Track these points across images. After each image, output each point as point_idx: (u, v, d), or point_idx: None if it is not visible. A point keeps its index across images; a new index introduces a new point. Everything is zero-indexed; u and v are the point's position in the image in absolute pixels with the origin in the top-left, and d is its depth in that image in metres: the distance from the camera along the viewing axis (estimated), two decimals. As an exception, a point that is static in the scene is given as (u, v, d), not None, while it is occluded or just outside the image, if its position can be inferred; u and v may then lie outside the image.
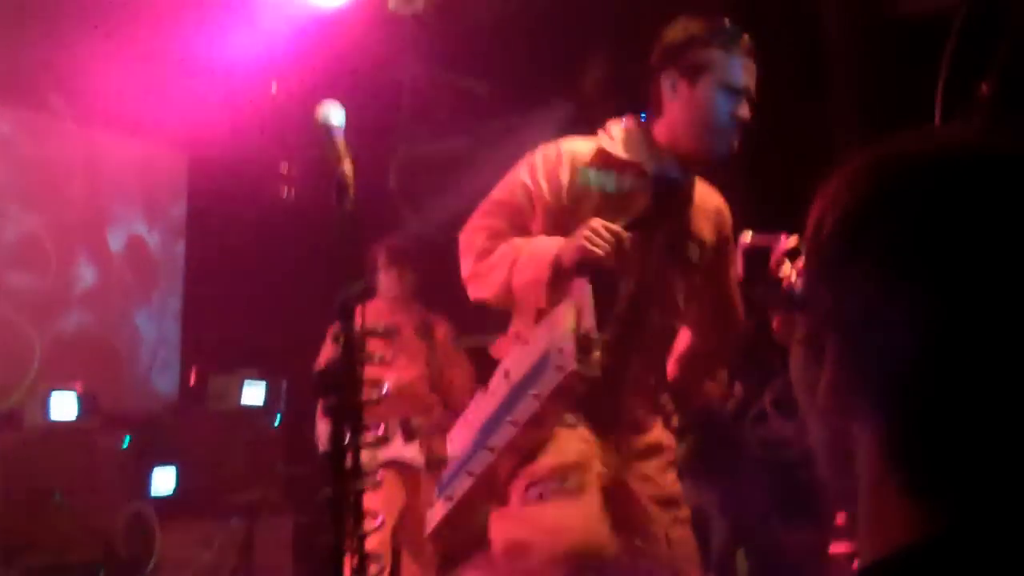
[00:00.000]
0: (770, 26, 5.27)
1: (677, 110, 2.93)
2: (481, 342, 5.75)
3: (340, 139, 2.41)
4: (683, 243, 2.98)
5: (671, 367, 3.19)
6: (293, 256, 6.59)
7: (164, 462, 6.09)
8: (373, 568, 2.38)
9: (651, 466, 2.95)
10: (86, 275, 6.94)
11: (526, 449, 2.83)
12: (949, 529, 0.82)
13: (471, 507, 3.00)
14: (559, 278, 2.76)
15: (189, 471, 6.14)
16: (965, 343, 0.82)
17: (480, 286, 2.98)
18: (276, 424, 6.68)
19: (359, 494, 2.37)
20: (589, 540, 2.75)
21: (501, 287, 2.89)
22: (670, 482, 2.99)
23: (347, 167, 2.36)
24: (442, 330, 5.34)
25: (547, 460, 2.81)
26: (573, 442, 2.84)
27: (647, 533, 2.87)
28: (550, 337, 2.68)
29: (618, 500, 2.85)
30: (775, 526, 4.72)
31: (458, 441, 2.99)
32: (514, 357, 2.85)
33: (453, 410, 4.97)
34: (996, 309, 0.82)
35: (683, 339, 3.22)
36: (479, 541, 2.88)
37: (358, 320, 2.40)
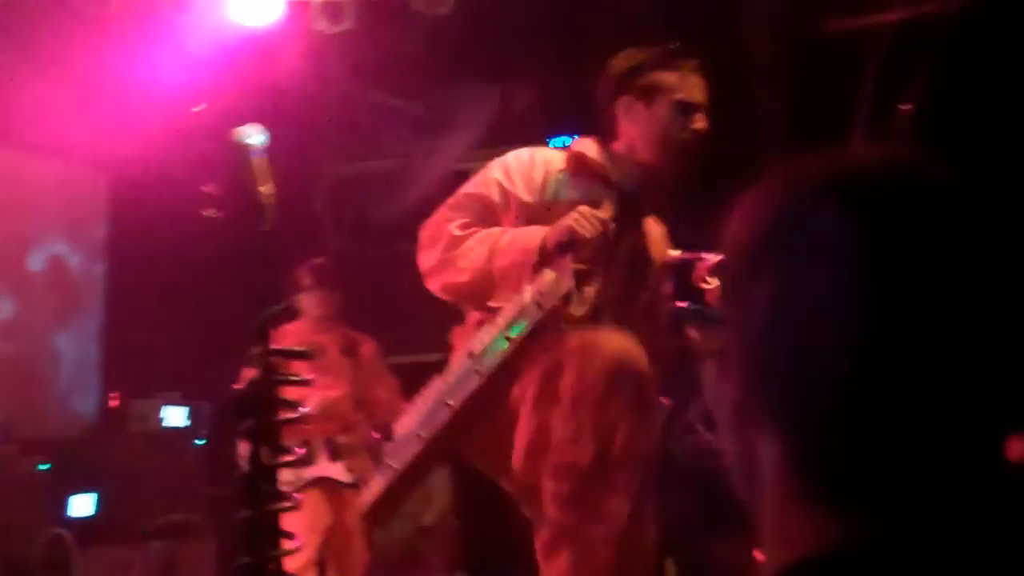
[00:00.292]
0: (699, 43, 5.36)
1: (636, 131, 3.04)
2: (407, 359, 5.77)
3: (259, 161, 2.41)
4: (642, 258, 3.06)
5: None
6: (216, 277, 6.53)
7: (84, 486, 5.99)
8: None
9: None
10: (3, 297, 6.81)
11: (496, 400, 2.83)
12: (849, 544, 0.83)
13: (417, 475, 2.99)
14: (544, 261, 2.80)
15: (109, 495, 6.04)
16: (861, 362, 0.84)
17: (450, 272, 2.98)
18: (199, 446, 6.60)
19: (278, 516, 2.36)
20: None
21: (478, 272, 2.91)
22: None
23: (266, 189, 2.36)
24: (367, 348, 5.33)
25: None
26: None
27: None
28: (523, 299, 2.76)
29: None
30: (703, 536, 4.76)
31: (406, 420, 2.97)
32: (480, 336, 2.88)
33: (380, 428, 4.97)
34: (890, 328, 0.83)
35: None
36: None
37: (277, 341, 2.40)
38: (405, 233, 6.22)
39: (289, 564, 2.36)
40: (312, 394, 4.71)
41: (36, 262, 7.00)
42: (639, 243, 3.05)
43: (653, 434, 2.83)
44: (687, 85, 3.02)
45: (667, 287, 3.15)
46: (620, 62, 3.09)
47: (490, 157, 6.00)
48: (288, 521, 2.37)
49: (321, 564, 4.97)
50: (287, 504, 2.38)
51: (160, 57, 5.75)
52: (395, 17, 5.63)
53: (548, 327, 2.70)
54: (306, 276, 5.23)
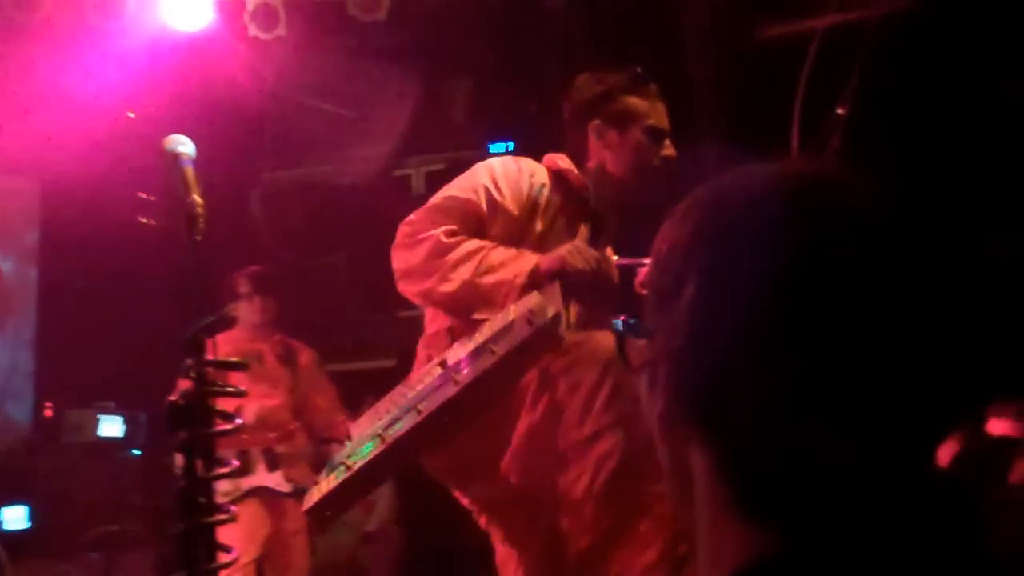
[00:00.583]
0: (636, 51, 5.41)
1: (609, 157, 3.05)
2: (342, 367, 5.75)
3: (189, 170, 2.39)
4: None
5: None
6: (151, 286, 6.46)
7: (17, 497, 5.89)
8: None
9: None
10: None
11: (470, 414, 2.76)
12: (773, 555, 0.83)
13: (372, 479, 2.94)
14: (533, 285, 2.78)
15: (44, 506, 5.95)
16: (782, 369, 0.84)
17: (433, 280, 2.90)
18: (134, 457, 6.53)
19: (214, 528, 2.34)
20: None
21: (465, 284, 2.85)
22: None
23: (196, 198, 2.34)
24: (305, 356, 5.30)
25: None
26: None
27: None
28: (516, 312, 2.70)
29: None
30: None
31: (366, 423, 2.90)
32: (455, 348, 2.83)
33: (318, 436, 4.94)
34: (810, 336, 0.84)
35: None
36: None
37: (211, 352, 2.38)
38: (339, 240, 6.24)
39: (226, 571, 2.34)
40: (249, 403, 4.68)
41: (-34, 270, 6.88)
42: (607, 262, 3.06)
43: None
44: (656, 111, 3.07)
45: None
46: (589, 86, 3.11)
47: (426, 163, 5.99)
48: (226, 532, 2.35)
49: (260, 574, 4.94)
50: (224, 516, 2.36)
51: (91, 63, 5.68)
52: (330, 23, 5.61)
53: (538, 345, 2.67)
54: (243, 283, 5.18)
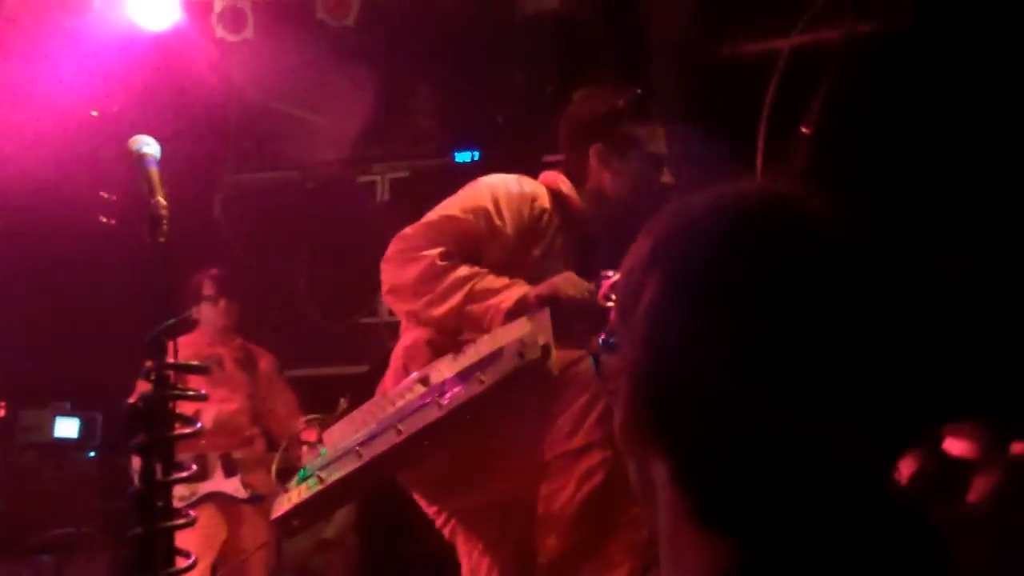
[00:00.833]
0: (603, 63, 5.44)
1: (608, 180, 3.05)
2: (302, 373, 5.73)
3: (154, 171, 2.38)
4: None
5: None
6: (111, 285, 6.40)
7: (-31, 498, 5.82)
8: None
9: None
10: None
11: (441, 458, 2.76)
12: (734, 569, 0.84)
13: (345, 495, 2.91)
14: (520, 309, 2.78)
15: (-3, 507, 5.88)
16: (728, 384, 0.85)
17: (422, 303, 2.89)
18: (90, 458, 6.46)
19: (171, 533, 2.32)
20: None
21: (452, 310, 2.84)
22: None
23: (160, 199, 2.33)
24: (265, 361, 5.28)
25: None
26: None
27: None
28: (501, 341, 2.68)
29: None
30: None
31: (340, 435, 2.86)
32: (438, 363, 2.80)
33: (277, 441, 4.92)
34: (754, 349, 0.85)
35: None
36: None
37: (171, 355, 2.36)
38: (302, 245, 6.21)
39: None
40: (208, 407, 4.65)
41: (-78, 268, 6.78)
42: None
43: None
44: (656, 137, 3.07)
45: None
46: (591, 107, 3.10)
47: (391, 170, 5.96)
48: (182, 536, 2.34)
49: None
50: (181, 521, 2.35)
51: (55, 60, 5.62)
52: (298, 27, 5.60)
53: (526, 379, 2.63)
54: (208, 285, 5.16)
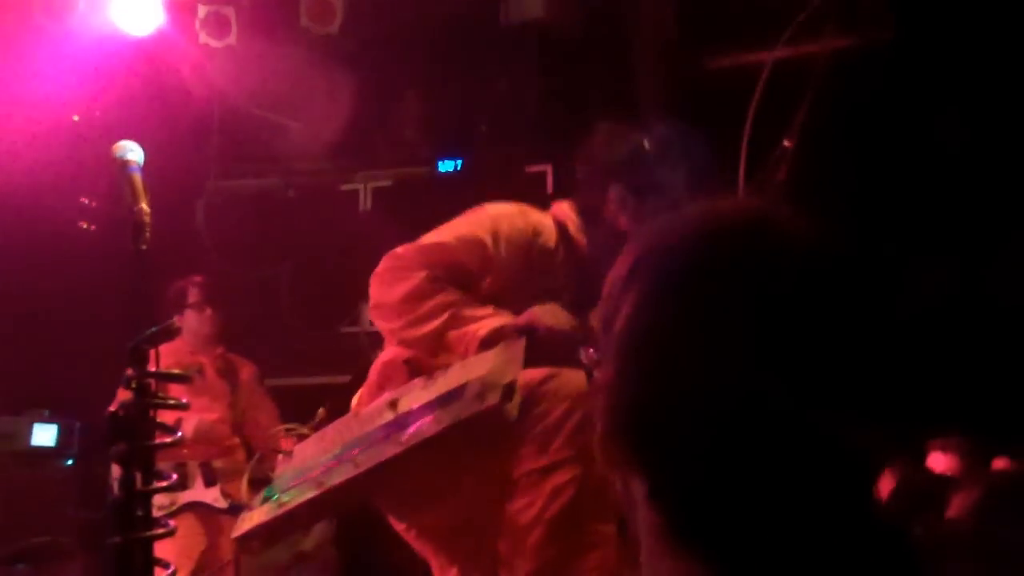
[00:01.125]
0: (587, 73, 5.45)
1: (624, 221, 2.96)
2: (283, 382, 5.71)
3: (137, 177, 2.37)
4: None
5: None
6: (90, 291, 6.37)
7: (-56, 506, 5.76)
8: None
9: None
10: None
11: (406, 481, 2.73)
12: None
13: (304, 519, 2.89)
14: (495, 337, 2.74)
15: (-29, 515, 5.82)
16: (700, 402, 0.85)
17: (403, 323, 2.87)
18: (68, 466, 6.41)
19: (151, 543, 2.31)
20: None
21: (432, 332, 2.82)
22: None
23: (143, 206, 2.32)
24: (246, 371, 5.26)
25: None
26: None
27: None
28: (469, 374, 2.65)
29: None
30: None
31: (308, 453, 2.85)
32: (408, 387, 2.78)
33: (256, 451, 4.90)
34: (726, 368, 0.85)
35: None
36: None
37: (152, 364, 2.35)
38: (283, 253, 6.20)
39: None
40: (189, 416, 4.63)
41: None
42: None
43: None
44: (678, 182, 2.96)
45: None
46: (614, 147, 3.02)
47: (374, 179, 5.94)
48: (161, 546, 2.32)
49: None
50: (160, 530, 2.33)
51: (37, 64, 5.60)
52: (282, 34, 5.59)
53: (483, 424, 2.59)
54: (194, 293, 5.14)
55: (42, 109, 5.95)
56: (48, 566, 5.79)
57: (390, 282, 2.92)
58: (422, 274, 2.87)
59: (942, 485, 3.19)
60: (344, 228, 5.76)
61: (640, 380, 0.89)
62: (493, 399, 2.54)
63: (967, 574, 2.35)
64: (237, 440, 5.05)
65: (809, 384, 0.85)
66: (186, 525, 4.62)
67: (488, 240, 2.91)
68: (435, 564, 2.90)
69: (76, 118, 6.17)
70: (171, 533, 2.37)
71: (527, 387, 2.70)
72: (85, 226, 6.69)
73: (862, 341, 0.88)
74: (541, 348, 2.75)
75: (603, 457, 0.94)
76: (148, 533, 2.29)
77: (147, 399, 2.31)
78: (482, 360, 2.68)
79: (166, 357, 2.57)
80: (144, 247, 2.31)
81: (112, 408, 2.34)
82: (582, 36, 5.39)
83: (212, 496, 4.85)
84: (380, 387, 2.89)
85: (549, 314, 2.80)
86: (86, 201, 6.36)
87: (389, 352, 2.96)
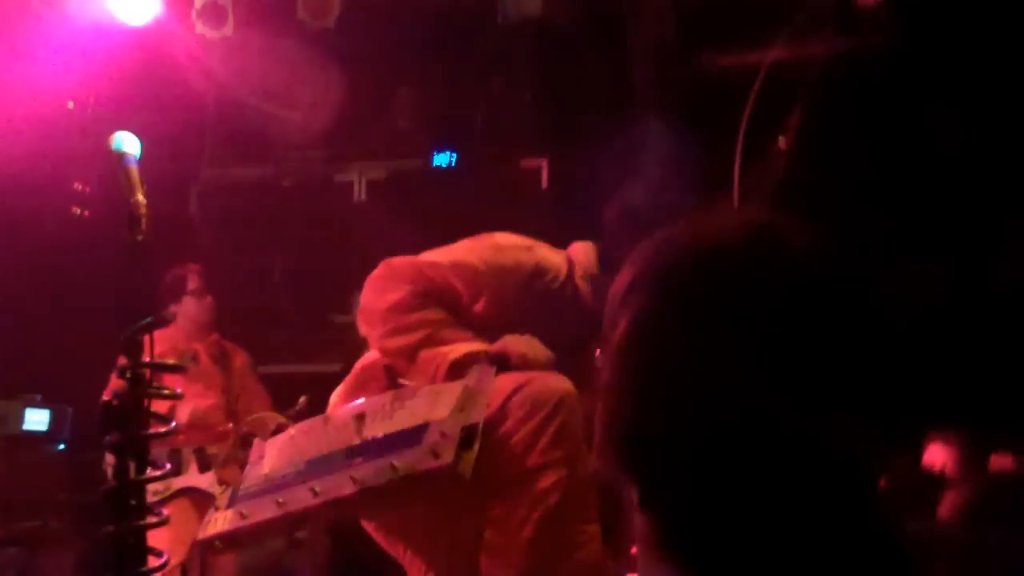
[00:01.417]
0: (583, 69, 5.46)
1: None
2: (280, 369, 5.72)
3: (134, 169, 2.38)
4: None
5: None
6: (84, 277, 6.37)
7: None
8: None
9: None
10: None
11: (360, 513, 2.75)
12: None
13: (263, 534, 2.90)
14: (466, 362, 2.74)
15: (-37, 499, 5.83)
16: (690, 420, 0.87)
17: (381, 330, 2.87)
18: (60, 451, 6.42)
19: (144, 531, 2.32)
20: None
21: (407, 348, 2.82)
22: None
23: (140, 198, 2.33)
24: (240, 358, 5.28)
25: None
26: None
27: None
28: (432, 410, 2.62)
29: None
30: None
31: (277, 458, 2.84)
32: (376, 404, 2.76)
33: (250, 438, 4.91)
34: (720, 380, 0.87)
35: None
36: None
37: (147, 353, 2.36)
38: (277, 243, 6.20)
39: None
40: (183, 403, 4.64)
41: None
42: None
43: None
44: None
45: None
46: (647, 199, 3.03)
47: (368, 170, 5.93)
48: (155, 532, 2.34)
49: (184, 571, 4.89)
50: (154, 519, 2.34)
51: (33, 51, 5.59)
52: (278, 26, 5.59)
53: (434, 481, 2.56)
54: (194, 279, 5.16)
55: (37, 96, 5.94)
56: (38, 550, 5.80)
57: (380, 290, 2.92)
58: (410, 288, 2.88)
59: (935, 483, 3.20)
60: (338, 219, 5.78)
61: (635, 392, 0.90)
62: (448, 457, 2.51)
63: (963, 567, 2.35)
64: (231, 426, 5.06)
65: (805, 396, 0.86)
66: (180, 511, 4.63)
67: (483, 268, 2.91)
68: (409, 570, 2.88)
69: (71, 104, 6.17)
70: (165, 522, 2.38)
71: (501, 393, 2.69)
72: (79, 212, 6.70)
73: (860, 351, 0.89)
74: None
75: (600, 462, 0.95)
76: (141, 522, 2.30)
77: (141, 388, 2.32)
78: (449, 392, 2.64)
79: (160, 343, 2.58)
80: (140, 238, 2.32)
81: (106, 396, 2.36)
82: (579, 33, 5.40)
83: (206, 482, 4.87)
84: (357, 388, 2.90)
85: (524, 343, 2.79)
86: (80, 187, 6.37)
87: (371, 355, 2.97)
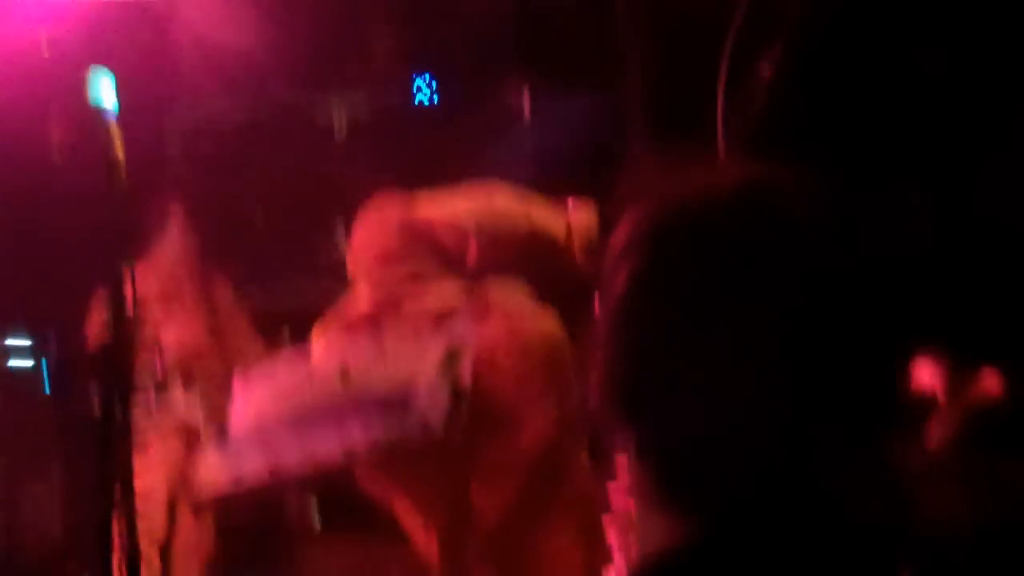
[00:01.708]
0: (565, 21, 5.39)
1: None
2: (262, 303, 5.71)
3: (113, 124, 2.37)
4: None
5: None
6: (65, 220, 6.33)
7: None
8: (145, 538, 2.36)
9: None
10: None
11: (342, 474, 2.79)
12: (687, 541, 0.90)
13: (254, 498, 2.93)
14: (451, 316, 2.76)
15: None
16: (688, 365, 0.91)
17: (372, 282, 2.91)
18: (45, 385, 6.42)
19: (130, 465, 2.35)
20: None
21: (392, 299, 2.88)
22: None
23: (118, 152, 2.33)
24: (223, 291, 5.29)
25: None
26: None
27: None
28: (419, 364, 2.64)
29: None
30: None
31: (262, 402, 2.87)
32: (360, 356, 2.79)
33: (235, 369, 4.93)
34: (717, 333, 0.91)
35: None
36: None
37: (129, 289, 2.37)
38: (254, 182, 6.15)
39: (142, 508, 2.36)
40: (168, 336, 4.66)
41: None
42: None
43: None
44: None
45: None
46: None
47: (348, 102, 5.89)
48: (143, 467, 2.37)
49: (172, 507, 4.93)
50: (139, 452, 2.37)
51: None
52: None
53: (423, 448, 2.62)
54: (176, 216, 5.17)
55: (7, 32, 5.86)
56: (24, 486, 5.82)
57: (370, 234, 2.92)
58: (399, 239, 2.88)
59: (921, 410, 3.22)
60: (318, 156, 5.75)
61: (629, 351, 0.94)
62: (437, 424, 2.58)
63: (954, 496, 2.36)
64: (216, 359, 5.07)
65: (802, 347, 0.90)
66: (167, 446, 4.66)
67: (471, 226, 2.93)
68: (397, 507, 2.90)
69: (46, 56, 6.08)
70: (151, 457, 2.41)
71: (488, 341, 2.69)
72: (55, 149, 6.64)
73: (856, 303, 0.92)
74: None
75: (597, 412, 0.98)
76: (128, 456, 2.33)
77: (125, 326, 2.34)
78: (436, 345, 2.66)
79: (143, 278, 2.59)
80: (119, 190, 2.32)
81: (91, 340, 2.38)
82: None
83: (192, 414, 4.89)
84: (342, 331, 2.90)
85: (509, 290, 2.81)
86: (55, 133, 6.30)
87: (357, 297, 2.97)
